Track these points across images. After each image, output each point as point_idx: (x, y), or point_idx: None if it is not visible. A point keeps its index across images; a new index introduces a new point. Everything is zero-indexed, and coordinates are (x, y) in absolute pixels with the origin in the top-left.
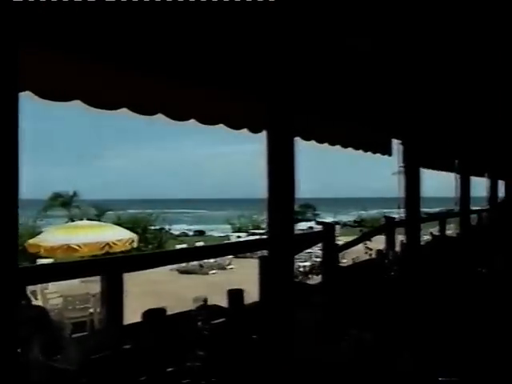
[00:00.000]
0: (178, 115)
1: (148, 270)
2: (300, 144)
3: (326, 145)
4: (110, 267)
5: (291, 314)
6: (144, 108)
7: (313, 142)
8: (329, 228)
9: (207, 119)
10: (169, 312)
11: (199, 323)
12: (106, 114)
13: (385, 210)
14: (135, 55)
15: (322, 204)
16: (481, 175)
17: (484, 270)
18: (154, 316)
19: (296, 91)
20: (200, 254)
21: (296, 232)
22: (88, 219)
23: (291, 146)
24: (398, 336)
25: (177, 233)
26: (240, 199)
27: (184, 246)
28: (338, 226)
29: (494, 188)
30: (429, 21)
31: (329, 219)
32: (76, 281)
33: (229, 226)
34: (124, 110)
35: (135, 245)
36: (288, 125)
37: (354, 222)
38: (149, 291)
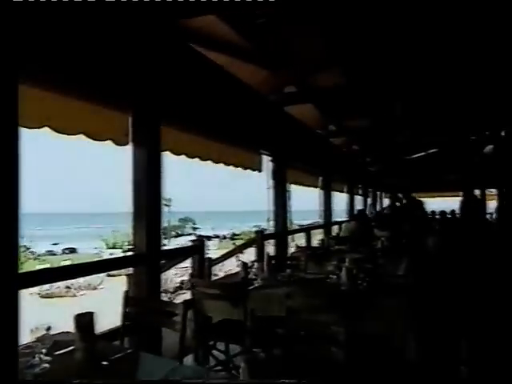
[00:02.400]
0: (27, 123)
1: None
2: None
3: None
4: None
5: (157, 334)
6: None
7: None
8: (200, 242)
9: (64, 128)
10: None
11: (37, 356)
12: None
13: (260, 223)
14: None
15: (201, 217)
16: (340, 191)
17: (336, 277)
18: None
19: (162, 104)
20: (64, 273)
21: (175, 247)
22: None
23: (158, 160)
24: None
25: (42, 251)
26: (115, 213)
27: (47, 265)
28: (217, 240)
29: (351, 202)
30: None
31: (208, 232)
32: None
33: (102, 243)
34: None
35: None
36: (154, 138)
37: (234, 234)
38: None
